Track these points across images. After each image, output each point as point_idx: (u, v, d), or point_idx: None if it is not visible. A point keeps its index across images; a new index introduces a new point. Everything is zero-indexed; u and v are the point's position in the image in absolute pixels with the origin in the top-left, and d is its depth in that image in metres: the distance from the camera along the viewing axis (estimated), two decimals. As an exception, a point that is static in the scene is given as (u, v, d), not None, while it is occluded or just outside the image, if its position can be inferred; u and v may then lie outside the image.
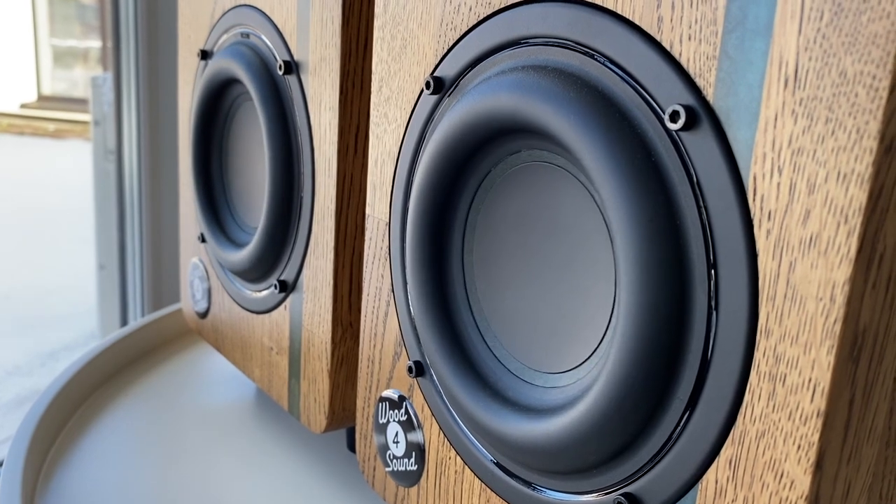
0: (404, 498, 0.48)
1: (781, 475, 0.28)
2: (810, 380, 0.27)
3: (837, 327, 0.26)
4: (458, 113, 0.38)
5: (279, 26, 0.56)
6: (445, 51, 0.41)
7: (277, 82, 0.56)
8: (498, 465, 0.40)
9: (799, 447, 0.27)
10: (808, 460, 0.27)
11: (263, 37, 0.58)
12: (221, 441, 0.65)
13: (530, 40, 0.36)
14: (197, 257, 0.72)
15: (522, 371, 0.39)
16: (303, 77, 0.54)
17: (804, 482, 0.27)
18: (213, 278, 0.69)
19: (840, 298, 0.26)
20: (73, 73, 5.54)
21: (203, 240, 0.69)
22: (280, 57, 0.55)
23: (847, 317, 0.26)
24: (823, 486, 0.28)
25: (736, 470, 0.30)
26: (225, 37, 0.63)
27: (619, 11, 0.32)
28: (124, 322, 1.39)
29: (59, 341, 2.16)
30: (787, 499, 0.28)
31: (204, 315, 0.72)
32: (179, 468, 0.61)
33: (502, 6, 0.37)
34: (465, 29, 0.40)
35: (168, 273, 1.30)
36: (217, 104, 0.65)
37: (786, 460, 0.28)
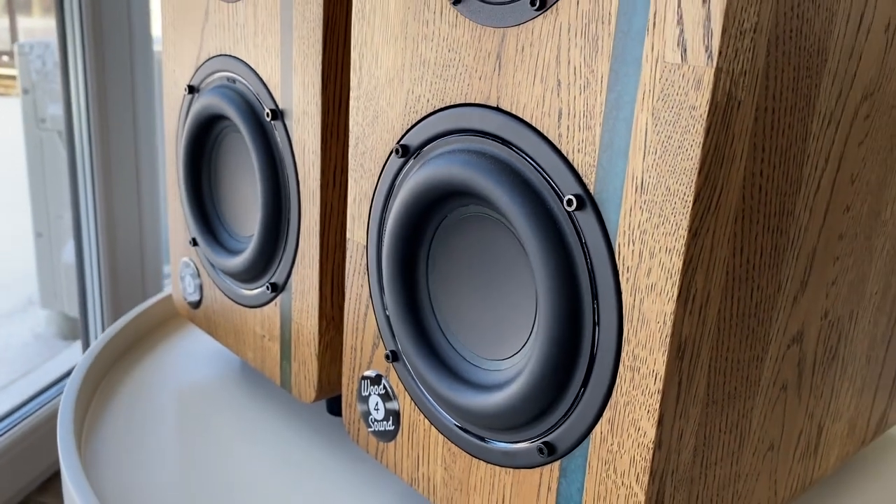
0: (383, 451, 0.64)
1: (638, 428, 0.45)
2: (653, 371, 0.44)
3: (668, 339, 0.43)
4: (420, 177, 0.53)
5: (264, 80, 0.69)
6: (409, 126, 0.55)
7: (265, 125, 0.69)
8: (456, 425, 0.56)
9: (648, 411, 0.44)
10: (654, 418, 0.44)
11: (249, 85, 0.70)
12: (222, 408, 0.80)
13: (473, 132, 0.51)
14: (187, 257, 0.85)
15: (474, 358, 0.55)
16: (287, 123, 0.67)
17: (651, 432, 0.44)
18: (205, 276, 0.83)
19: (669, 322, 0.42)
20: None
21: (195, 243, 0.82)
22: (266, 106, 0.69)
23: (673, 333, 0.42)
24: (664, 434, 0.45)
25: (613, 426, 0.46)
26: (211, 78, 0.76)
27: (534, 125, 0.47)
28: (83, 293, 1.47)
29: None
30: (641, 443, 0.45)
31: (196, 306, 0.86)
32: (194, 426, 0.76)
33: (451, 104, 0.52)
34: (424, 114, 0.54)
35: (123, 244, 1.36)
36: (206, 133, 0.77)
37: (641, 419, 0.45)
